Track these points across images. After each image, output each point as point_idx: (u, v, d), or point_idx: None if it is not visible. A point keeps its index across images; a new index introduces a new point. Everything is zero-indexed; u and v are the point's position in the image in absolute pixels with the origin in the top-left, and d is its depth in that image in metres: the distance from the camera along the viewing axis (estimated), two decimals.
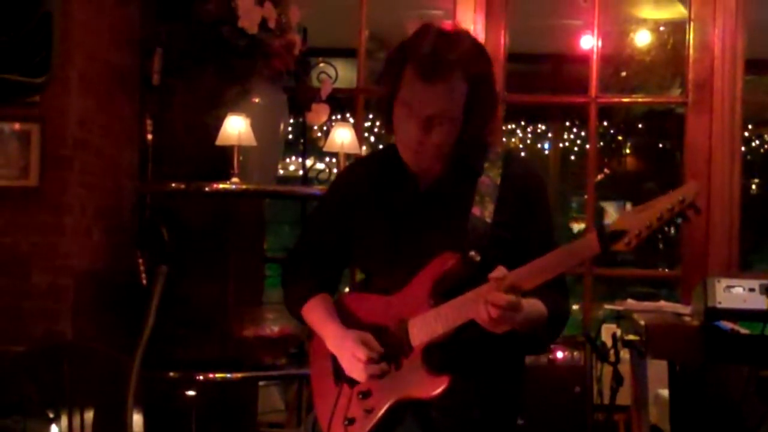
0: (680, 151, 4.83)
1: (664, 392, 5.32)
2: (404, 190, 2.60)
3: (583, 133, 11.74)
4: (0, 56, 1.83)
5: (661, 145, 11.27)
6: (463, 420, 2.51)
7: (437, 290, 2.44)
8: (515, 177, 2.56)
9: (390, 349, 2.51)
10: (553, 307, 2.46)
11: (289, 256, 2.89)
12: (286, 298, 2.81)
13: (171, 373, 4.03)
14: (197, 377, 4.00)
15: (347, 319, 2.61)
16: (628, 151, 11.92)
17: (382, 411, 2.51)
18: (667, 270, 7.48)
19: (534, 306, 2.39)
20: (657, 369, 4.06)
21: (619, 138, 11.86)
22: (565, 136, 12.04)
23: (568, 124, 11.86)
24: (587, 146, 11.41)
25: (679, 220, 2.14)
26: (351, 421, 2.55)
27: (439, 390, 2.40)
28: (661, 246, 2.23)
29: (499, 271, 2.28)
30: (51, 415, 2.85)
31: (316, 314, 2.67)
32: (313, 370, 2.72)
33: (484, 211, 2.49)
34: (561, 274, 2.45)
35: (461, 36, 2.49)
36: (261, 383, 5.09)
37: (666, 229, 2.14)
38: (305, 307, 2.71)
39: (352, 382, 2.55)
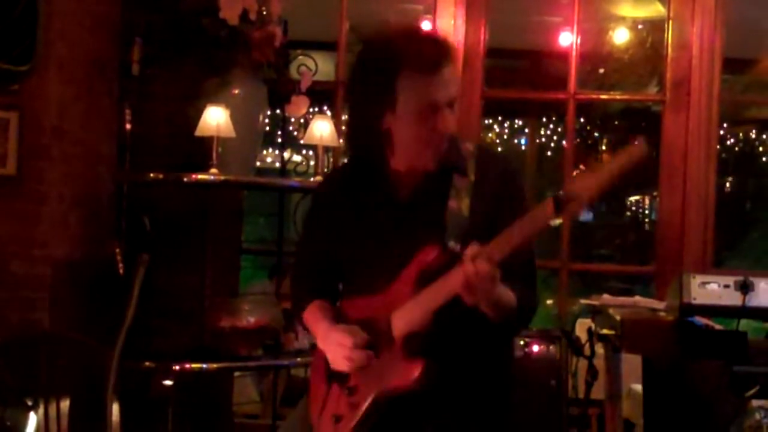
0: (656, 148, 4.87)
1: (637, 387, 5.36)
2: (384, 195, 2.63)
3: (559, 129, 11.80)
4: None
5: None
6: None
7: (421, 283, 2.47)
8: (489, 171, 2.59)
9: (373, 342, 2.54)
10: (521, 297, 2.49)
11: (291, 271, 3.00)
12: (293, 311, 2.89)
13: (147, 363, 4.02)
14: (173, 367, 4.00)
15: (340, 322, 2.64)
16: (604, 147, 11.99)
17: (366, 404, 2.53)
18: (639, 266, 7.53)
19: (506, 292, 2.43)
20: (630, 364, 4.08)
21: (596, 134, 11.94)
22: (542, 132, 12.10)
23: (545, 119, 11.93)
24: (564, 142, 11.54)
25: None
26: (338, 419, 2.59)
27: (414, 375, 2.42)
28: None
29: (472, 248, 2.32)
30: (30, 403, 2.84)
31: (311, 317, 2.73)
32: (311, 375, 2.78)
33: (460, 204, 2.53)
34: (530, 268, 2.55)
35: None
36: (236, 374, 5.10)
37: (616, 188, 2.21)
38: (304, 315, 2.77)
39: (342, 380, 2.59)
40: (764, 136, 11.82)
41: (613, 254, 12.60)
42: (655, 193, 13.40)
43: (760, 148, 11.89)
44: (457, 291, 2.33)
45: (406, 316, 2.48)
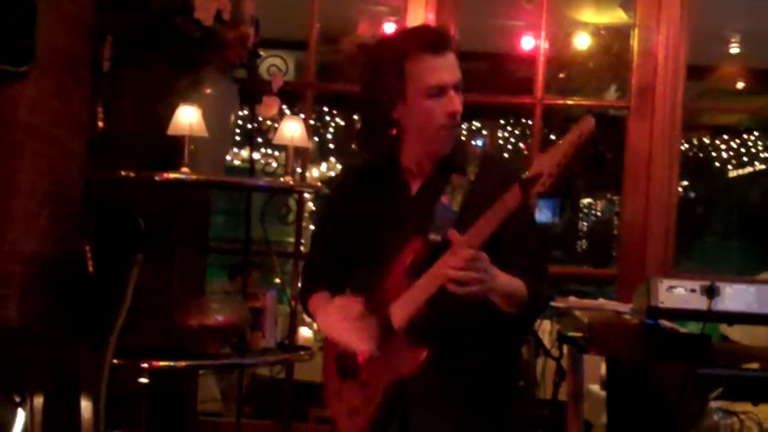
0: (612, 152, 4.95)
1: (595, 387, 5.46)
2: (395, 194, 2.74)
3: (517, 131, 11.89)
4: None
5: (599, 146, 11.44)
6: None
7: (412, 274, 2.56)
8: (491, 174, 2.67)
9: (377, 336, 2.62)
10: (532, 286, 2.58)
11: (304, 264, 3.11)
12: (301, 302, 2.98)
13: (115, 361, 4.02)
14: (142, 365, 4.00)
15: None
16: None
17: (379, 398, 2.63)
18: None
19: (512, 281, 2.53)
20: (588, 365, 4.15)
21: (552, 137, 12.02)
22: (500, 134, 12.17)
23: (502, 121, 12.00)
24: (521, 144, 11.62)
25: (583, 157, 2.26)
26: (354, 411, 2.69)
27: (420, 360, 2.51)
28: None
29: (451, 233, 2.42)
30: (18, 400, 2.85)
31: (315, 304, 2.84)
32: (324, 373, 2.86)
33: (453, 200, 2.63)
34: (539, 259, 2.68)
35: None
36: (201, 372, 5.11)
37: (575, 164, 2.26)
38: (309, 303, 2.88)
39: (354, 376, 2.68)
40: (717, 142, 11.97)
41: (566, 257, 12.70)
42: (608, 196, 13.55)
43: (713, 154, 12.04)
44: (445, 279, 2.41)
45: (402, 308, 2.57)
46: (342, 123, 11.61)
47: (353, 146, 11.42)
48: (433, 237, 2.55)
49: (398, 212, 2.72)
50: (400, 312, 2.57)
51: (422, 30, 2.73)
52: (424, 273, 2.51)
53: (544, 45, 5.00)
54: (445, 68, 2.58)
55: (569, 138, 2.24)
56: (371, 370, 2.64)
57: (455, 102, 2.59)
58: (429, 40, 2.59)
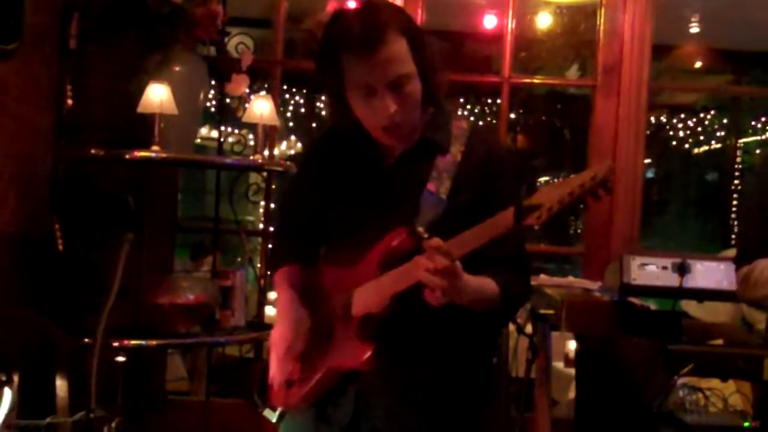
0: (574, 130, 5.00)
1: (559, 364, 5.52)
2: (369, 165, 2.62)
3: (476, 109, 11.91)
4: None
5: (558, 125, 11.52)
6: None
7: (384, 264, 2.48)
8: (476, 154, 2.56)
9: (329, 319, 2.58)
10: (507, 284, 2.50)
11: (274, 232, 3.01)
12: (270, 271, 2.95)
13: (86, 339, 4.00)
14: (113, 344, 3.98)
15: (312, 289, 2.69)
16: (518, 128, 12.13)
17: (316, 376, 2.58)
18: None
19: (484, 287, 2.45)
20: (554, 343, 4.18)
21: (513, 116, 12.08)
22: (460, 112, 12.19)
23: (462, 100, 12.01)
24: (480, 123, 11.63)
25: (589, 199, 2.14)
26: (290, 384, 2.64)
27: (363, 359, 2.45)
28: (571, 230, 2.26)
29: (434, 240, 2.31)
30: (3, 378, 2.82)
31: (279, 282, 2.78)
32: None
33: (440, 187, 2.50)
34: (519, 255, 2.57)
35: (373, 2, 2.49)
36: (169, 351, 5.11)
37: (580, 206, 2.15)
38: (275, 278, 2.79)
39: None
40: (674, 121, 12.08)
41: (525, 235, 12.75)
42: (565, 174, 13.62)
43: (671, 133, 12.15)
44: (416, 280, 2.34)
45: (365, 296, 2.51)
46: (302, 101, 11.58)
47: (314, 125, 11.41)
48: (420, 231, 2.46)
49: (374, 185, 2.59)
50: (362, 300, 2.51)
51: (350, 25, 2.41)
52: (396, 266, 2.43)
53: (511, 24, 5.02)
54: (375, 68, 2.39)
55: (581, 178, 2.13)
56: (314, 347, 2.60)
57: (387, 104, 2.41)
58: (355, 39, 2.39)
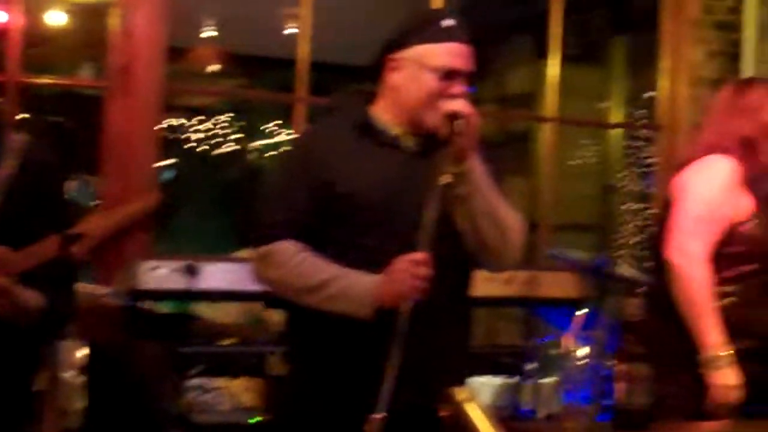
0: (88, 131, 4.89)
1: (72, 373, 5.39)
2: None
3: None
4: None
5: (72, 126, 11.24)
6: None
7: None
8: (30, 166, 2.54)
9: None
10: (53, 300, 2.48)
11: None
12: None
13: None
14: None
15: None
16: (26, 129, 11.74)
17: None
18: None
19: (32, 298, 2.43)
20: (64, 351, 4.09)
21: (25, 117, 11.66)
22: None
23: None
24: None
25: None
26: None
27: None
28: None
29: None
30: None
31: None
32: None
33: None
34: (66, 272, 2.53)
35: None
36: None
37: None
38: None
39: None
40: (192, 123, 12.24)
41: None
42: (84, 177, 13.36)
43: (189, 135, 12.29)
44: None
45: None
46: None
47: None
48: None
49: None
50: None
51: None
52: None
53: (20, 18, 4.83)
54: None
55: (130, 209, 2.21)
56: None
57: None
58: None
